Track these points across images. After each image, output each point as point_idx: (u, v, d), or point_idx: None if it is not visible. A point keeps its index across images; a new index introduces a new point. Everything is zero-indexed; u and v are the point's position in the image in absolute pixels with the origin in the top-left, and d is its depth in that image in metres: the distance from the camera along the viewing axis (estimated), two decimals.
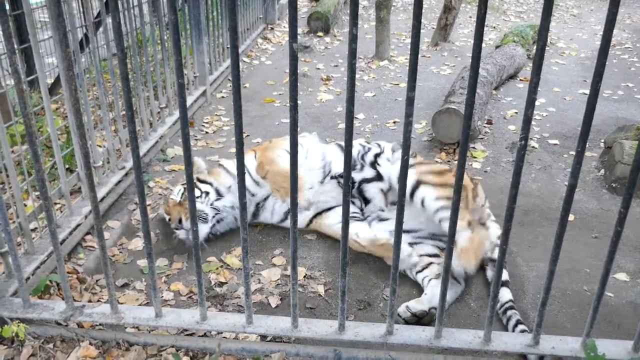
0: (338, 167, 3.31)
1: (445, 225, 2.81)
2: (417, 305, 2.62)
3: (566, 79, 6.82)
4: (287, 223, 3.34)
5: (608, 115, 5.45)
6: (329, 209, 3.31)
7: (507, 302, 2.65)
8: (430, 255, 2.99)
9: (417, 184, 3.05)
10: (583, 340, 2.12)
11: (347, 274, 2.07)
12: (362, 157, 3.38)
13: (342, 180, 3.25)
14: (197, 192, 3.23)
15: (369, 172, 3.33)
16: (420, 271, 2.88)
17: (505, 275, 2.82)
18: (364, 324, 2.27)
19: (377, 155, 3.40)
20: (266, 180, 3.32)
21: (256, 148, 3.58)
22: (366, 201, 3.32)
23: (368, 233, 3.05)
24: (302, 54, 7.65)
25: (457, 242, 2.77)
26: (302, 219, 3.31)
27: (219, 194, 3.32)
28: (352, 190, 3.28)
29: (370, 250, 3.02)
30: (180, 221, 3.14)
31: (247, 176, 3.29)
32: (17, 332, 2.24)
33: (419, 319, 2.59)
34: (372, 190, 3.29)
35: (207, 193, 3.30)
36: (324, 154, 3.44)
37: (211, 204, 3.26)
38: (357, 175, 3.30)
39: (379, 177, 3.30)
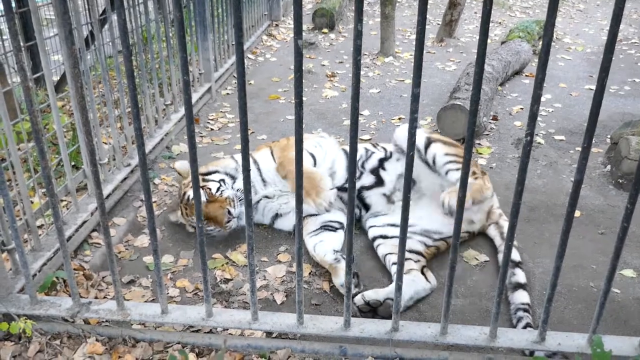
0: (339, 179, 3.28)
1: (452, 176, 3.03)
2: (373, 294, 2.61)
3: (572, 75, 6.79)
4: (276, 225, 3.36)
5: (614, 111, 5.42)
6: (313, 214, 3.24)
7: (521, 304, 2.62)
8: (410, 251, 2.94)
9: (429, 142, 3.20)
10: (589, 337, 2.12)
11: (352, 271, 2.07)
12: (362, 165, 3.32)
13: (339, 192, 3.24)
14: (214, 185, 3.18)
15: (367, 179, 3.27)
16: (395, 263, 2.86)
17: (522, 278, 2.79)
18: (369, 320, 2.27)
19: (382, 160, 3.34)
20: (287, 179, 3.23)
21: (272, 145, 3.49)
22: (366, 207, 3.28)
23: (321, 250, 3.00)
24: (307, 50, 7.64)
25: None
26: (289, 223, 3.30)
27: (233, 177, 3.30)
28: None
29: (323, 265, 2.98)
30: (229, 212, 3.10)
31: (256, 173, 3.29)
32: (25, 328, 2.25)
33: (373, 308, 2.59)
34: (373, 196, 3.25)
35: (223, 181, 3.24)
36: (334, 162, 3.37)
37: (234, 188, 3.25)
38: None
39: (379, 183, 3.26)
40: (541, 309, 2.12)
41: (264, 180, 3.31)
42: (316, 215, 3.22)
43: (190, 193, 3.14)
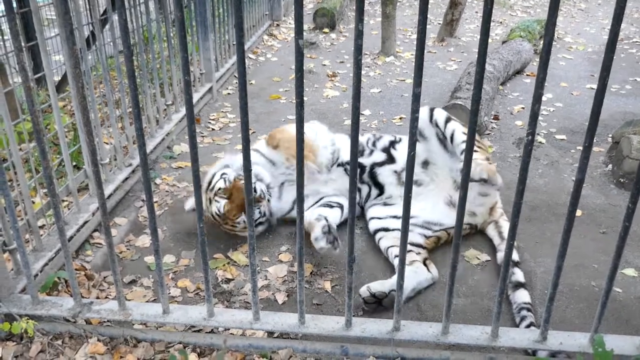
0: (346, 155, 3.29)
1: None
2: (378, 286, 2.64)
3: (573, 74, 6.78)
4: (294, 211, 3.32)
5: (616, 110, 5.42)
6: (319, 199, 3.30)
7: (524, 303, 2.62)
8: (412, 244, 2.95)
9: (449, 119, 3.23)
10: (591, 336, 2.11)
11: (353, 270, 2.07)
12: (374, 144, 3.38)
13: (349, 167, 3.25)
14: (220, 182, 3.10)
15: (379, 156, 3.31)
16: (397, 256, 2.89)
17: (521, 277, 2.78)
18: (370, 320, 2.27)
19: (393, 142, 3.39)
20: (278, 149, 3.24)
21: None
22: (379, 187, 3.29)
23: (308, 216, 3.04)
24: (308, 50, 7.63)
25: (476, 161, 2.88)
26: (308, 204, 3.26)
27: (229, 166, 3.24)
28: (363, 175, 3.29)
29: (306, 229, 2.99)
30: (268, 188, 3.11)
31: (261, 159, 3.28)
32: (26, 328, 2.25)
33: (378, 300, 2.62)
34: (385, 173, 3.28)
35: (223, 173, 3.17)
36: (334, 140, 3.42)
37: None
38: (366, 160, 3.30)
39: (390, 160, 3.30)
40: (543, 309, 2.12)
41: (272, 162, 3.30)
42: (322, 198, 3.28)
43: (213, 209, 3.08)
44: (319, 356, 2.32)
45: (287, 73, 6.66)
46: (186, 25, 4.90)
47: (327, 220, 2.94)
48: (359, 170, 3.20)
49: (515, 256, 2.92)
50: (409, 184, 1.88)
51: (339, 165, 3.32)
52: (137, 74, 3.67)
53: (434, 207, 3.17)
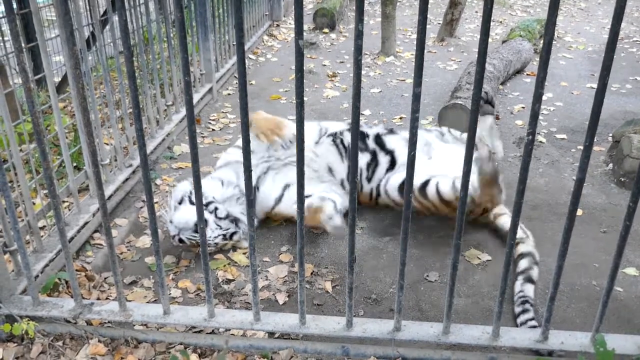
0: (335, 127, 3.39)
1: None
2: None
3: (574, 73, 6.77)
4: (284, 199, 3.26)
5: (616, 109, 5.41)
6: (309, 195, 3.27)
7: (530, 297, 2.65)
8: None
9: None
10: (592, 336, 2.11)
11: (354, 270, 2.07)
12: (373, 124, 3.53)
13: (337, 140, 3.30)
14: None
15: (382, 129, 3.41)
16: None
17: (536, 275, 2.81)
18: (371, 320, 2.27)
19: (391, 130, 3.47)
20: (251, 129, 3.31)
21: None
22: (390, 154, 3.29)
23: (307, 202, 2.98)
24: (308, 50, 7.63)
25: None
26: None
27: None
28: (367, 140, 3.32)
29: (311, 219, 2.98)
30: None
31: (237, 151, 3.37)
32: (27, 329, 2.25)
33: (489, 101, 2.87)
34: (393, 139, 3.32)
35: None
36: (319, 123, 3.52)
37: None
38: (369, 130, 3.37)
39: (394, 133, 3.39)
40: (544, 308, 2.12)
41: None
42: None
43: None
44: (320, 356, 2.32)
45: (287, 73, 6.66)
46: (186, 25, 4.90)
47: (332, 200, 2.95)
48: (361, 136, 3.22)
49: (537, 255, 2.95)
50: (408, 189, 1.88)
51: (328, 135, 3.34)
52: (137, 74, 3.67)
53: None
